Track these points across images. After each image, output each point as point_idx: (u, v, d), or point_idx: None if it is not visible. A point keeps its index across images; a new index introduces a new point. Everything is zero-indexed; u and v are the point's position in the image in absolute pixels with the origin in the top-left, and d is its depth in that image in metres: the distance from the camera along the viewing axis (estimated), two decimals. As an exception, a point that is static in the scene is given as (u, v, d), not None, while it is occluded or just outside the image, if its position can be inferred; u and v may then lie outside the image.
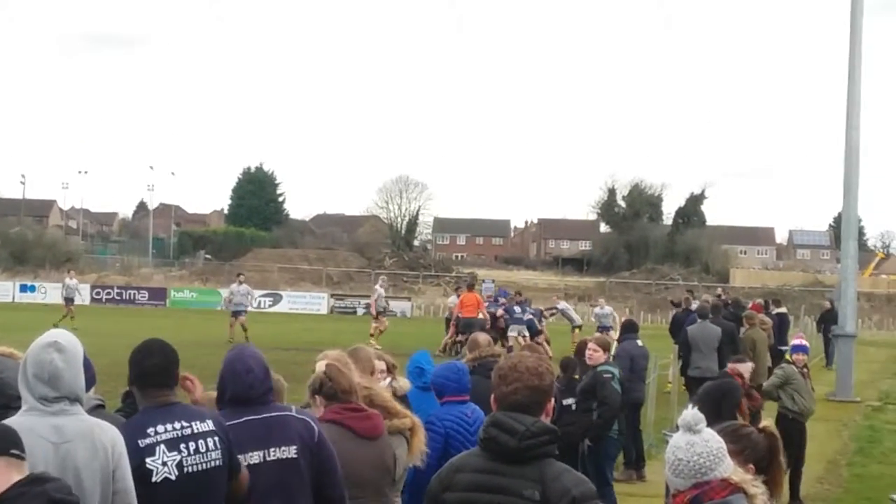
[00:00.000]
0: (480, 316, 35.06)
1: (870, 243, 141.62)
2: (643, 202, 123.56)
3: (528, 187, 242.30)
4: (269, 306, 65.02)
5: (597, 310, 39.38)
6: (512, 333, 34.69)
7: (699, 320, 22.38)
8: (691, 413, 4.78)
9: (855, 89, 29.56)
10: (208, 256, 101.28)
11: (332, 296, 69.00)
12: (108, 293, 66.46)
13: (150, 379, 5.83)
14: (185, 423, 5.72)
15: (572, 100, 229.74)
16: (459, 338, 34.20)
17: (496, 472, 4.83)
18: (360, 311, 64.89)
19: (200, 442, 5.74)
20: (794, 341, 16.99)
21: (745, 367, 14.22)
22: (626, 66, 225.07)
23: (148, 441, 5.57)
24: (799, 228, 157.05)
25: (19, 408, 5.43)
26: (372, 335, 36.40)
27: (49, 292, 62.91)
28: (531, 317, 36.00)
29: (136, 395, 5.95)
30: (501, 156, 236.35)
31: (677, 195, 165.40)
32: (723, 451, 4.72)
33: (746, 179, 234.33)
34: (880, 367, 38.66)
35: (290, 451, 6.15)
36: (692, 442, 4.68)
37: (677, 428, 4.82)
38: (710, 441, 4.70)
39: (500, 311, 36.31)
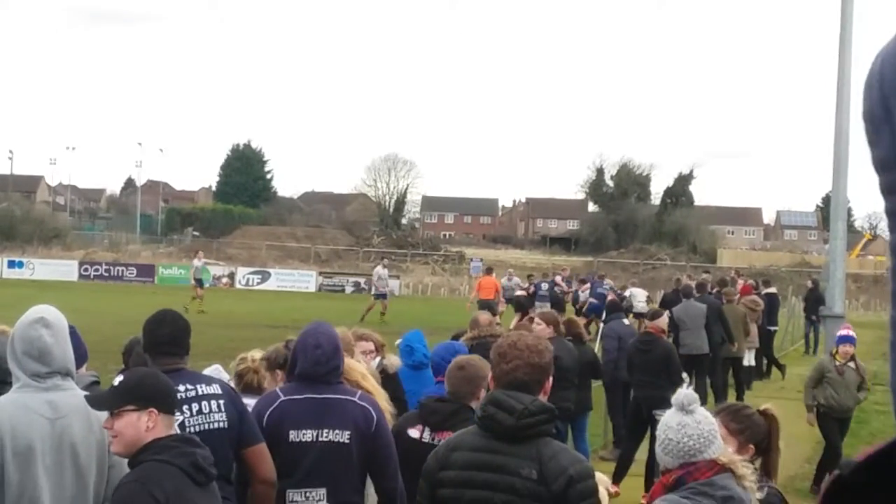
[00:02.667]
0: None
1: (857, 224, 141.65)
2: (631, 182, 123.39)
3: (517, 166, 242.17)
4: (258, 284, 64.93)
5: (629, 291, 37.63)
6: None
7: (683, 299, 22.51)
8: (685, 393, 4.78)
9: (845, 70, 29.49)
10: (196, 233, 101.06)
11: (320, 273, 68.92)
12: (97, 270, 66.22)
13: (160, 347, 5.99)
14: (189, 386, 5.87)
15: (561, 79, 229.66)
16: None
17: (494, 450, 4.83)
18: (349, 290, 64.89)
19: (204, 403, 5.88)
20: (841, 332, 16.83)
21: (664, 321, 14.43)
22: (615, 45, 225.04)
23: None
24: (786, 209, 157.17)
25: (10, 382, 5.44)
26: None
27: (37, 268, 62.78)
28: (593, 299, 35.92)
29: (147, 361, 6.04)
30: (490, 135, 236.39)
31: (666, 175, 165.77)
32: (714, 432, 4.73)
33: (734, 160, 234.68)
34: (867, 349, 38.49)
35: (343, 436, 6.15)
36: (684, 423, 4.68)
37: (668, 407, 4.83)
38: (702, 423, 4.70)
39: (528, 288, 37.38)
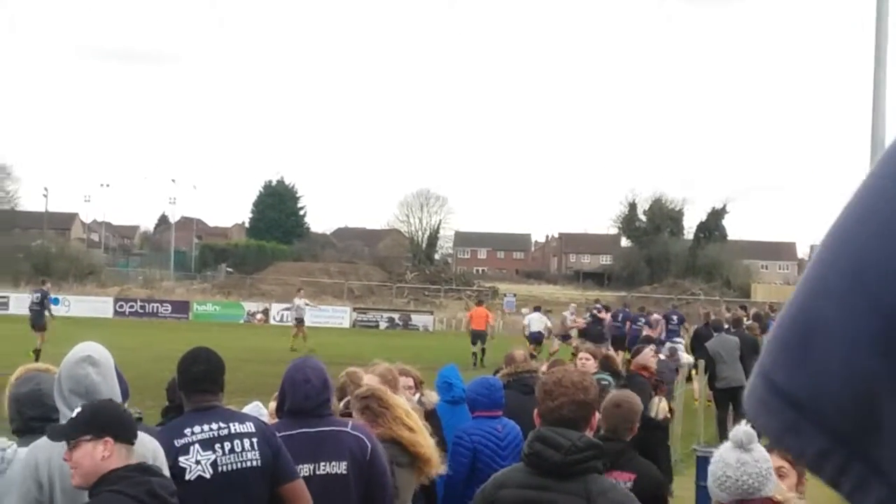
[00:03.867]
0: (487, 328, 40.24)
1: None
2: (664, 216, 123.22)
3: (549, 201, 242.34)
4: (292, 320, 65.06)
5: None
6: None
7: (715, 334, 22.59)
8: (744, 430, 4.74)
9: (880, 103, 29.38)
10: (230, 269, 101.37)
11: (354, 309, 68.99)
12: (132, 306, 66.51)
13: (195, 384, 5.98)
14: (222, 424, 5.83)
15: (593, 114, 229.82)
16: (474, 348, 38.79)
17: (542, 487, 4.81)
18: (383, 325, 64.94)
19: (237, 442, 5.83)
20: None
21: (645, 357, 14.14)
22: (646, 80, 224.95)
23: (184, 441, 5.68)
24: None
25: (58, 420, 5.46)
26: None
27: (72, 305, 62.96)
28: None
29: (182, 399, 6.08)
30: (522, 170, 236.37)
31: (698, 209, 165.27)
32: (770, 470, 4.70)
33: (768, 193, 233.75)
34: None
35: (341, 467, 6.19)
36: (743, 461, 4.65)
37: (718, 441, 4.81)
38: (760, 461, 4.67)
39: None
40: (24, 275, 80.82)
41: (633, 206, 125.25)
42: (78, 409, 4.95)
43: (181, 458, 5.62)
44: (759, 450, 4.73)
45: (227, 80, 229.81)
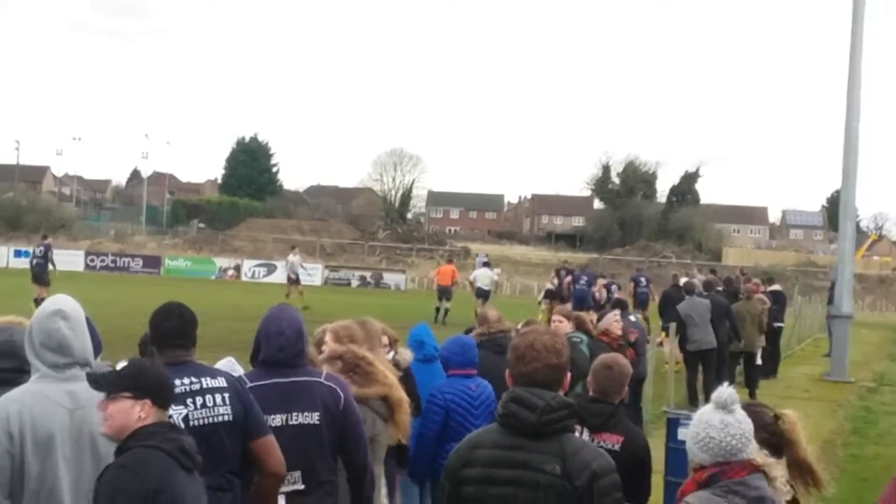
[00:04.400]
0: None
1: (862, 224, 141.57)
2: (637, 179, 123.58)
3: (523, 162, 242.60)
4: (264, 276, 64.95)
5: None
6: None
7: (687, 296, 22.60)
8: (728, 392, 4.75)
9: (855, 70, 29.51)
10: (202, 225, 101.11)
11: (326, 267, 68.92)
12: (102, 260, 66.25)
13: (167, 339, 5.97)
14: (194, 379, 5.82)
15: (568, 75, 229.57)
16: (438, 304, 39.66)
17: (517, 447, 4.82)
18: (355, 283, 64.91)
19: (208, 397, 5.83)
20: None
21: (607, 322, 14.19)
22: (622, 42, 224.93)
23: None
24: (792, 209, 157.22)
25: (29, 371, 5.43)
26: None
27: (42, 258, 62.67)
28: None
29: (154, 354, 6.03)
30: (496, 130, 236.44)
31: (671, 173, 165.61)
32: (751, 433, 4.71)
33: (741, 159, 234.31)
34: (874, 349, 38.72)
35: (313, 417, 6.22)
36: (726, 422, 4.66)
37: (697, 404, 4.81)
38: (743, 423, 4.69)
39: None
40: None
41: (606, 169, 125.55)
42: (124, 363, 4.97)
43: None
44: (741, 412, 4.74)
45: (202, 36, 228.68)
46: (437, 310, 39.24)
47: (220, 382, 5.91)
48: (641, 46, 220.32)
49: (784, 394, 22.25)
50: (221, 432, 5.80)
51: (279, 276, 64.49)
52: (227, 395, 5.88)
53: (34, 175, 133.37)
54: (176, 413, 5.60)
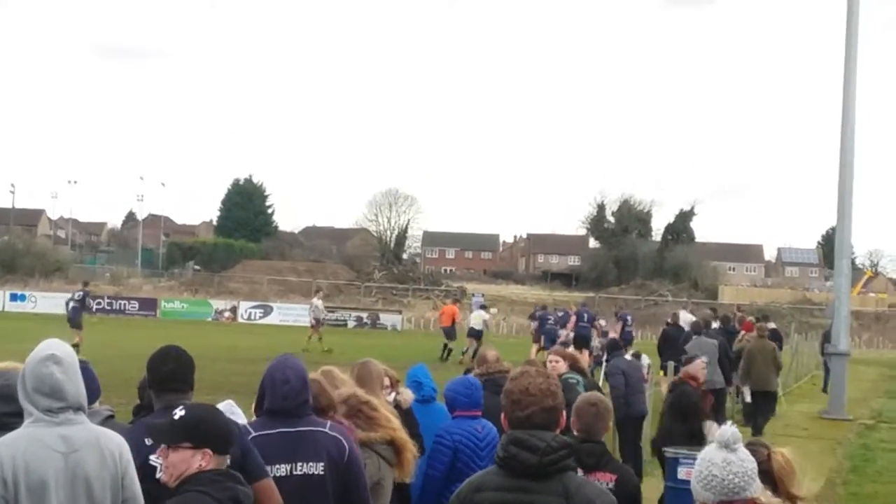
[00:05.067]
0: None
1: (858, 261, 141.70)
2: (632, 218, 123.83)
3: (518, 202, 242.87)
4: (260, 318, 65.00)
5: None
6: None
7: (694, 336, 22.63)
8: (730, 430, 4.76)
9: (849, 106, 29.62)
10: (197, 267, 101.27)
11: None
12: (99, 303, 66.17)
13: (164, 383, 5.97)
14: None
15: (561, 116, 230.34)
16: (445, 341, 40.95)
17: (520, 489, 4.81)
18: (351, 324, 64.86)
19: None
20: None
21: (696, 368, 14.26)
22: (615, 83, 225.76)
23: (152, 440, 5.61)
24: (787, 246, 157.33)
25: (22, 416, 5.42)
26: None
27: (39, 301, 62.80)
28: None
29: (152, 397, 6.05)
30: (491, 170, 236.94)
31: (667, 212, 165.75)
32: (755, 471, 4.71)
33: (735, 197, 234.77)
34: (871, 386, 38.71)
35: (318, 468, 6.17)
36: (729, 460, 4.66)
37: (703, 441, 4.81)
38: (746, 461, 4.68)
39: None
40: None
41: (601, 208, 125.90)
42: (181, 412, 4.98)
43: (151, 457, 5.57)
44: (744, 450, 4.74)
45: (197, 78, 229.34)
46: (444, 346, 40.45)
47: None
48: (634, 86, 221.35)
49: (783, 432, 22.23)
50: None
51: (275, 318, 64.58)
52: None
53: (30, 218, 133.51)
54: None
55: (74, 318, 36.57)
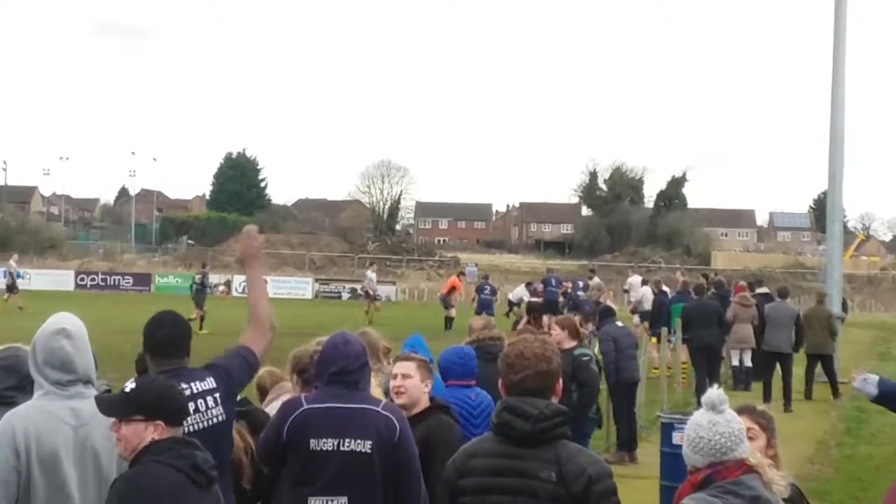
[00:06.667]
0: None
1: (850, 225, 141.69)
2: (624, 185, 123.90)
3: (510, 171, 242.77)
4: (254, 291, 64.94)
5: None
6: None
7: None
8: (716, 393, 4.80)
9: (839, 71, 29.62)
10: (191, 242, 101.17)
11: (316, 280, 68.94)
12: (93, 279, 66.28)
13: (160, 348, 6.01)
14: (184, 386, 5.77)
15: (553, 83, 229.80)
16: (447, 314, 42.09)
17: (512, 455, 4.88)
18: (345, 296, 64.92)
19: (200, 401, 5.88)
20: None
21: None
22: (606, 49, 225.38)
23: None
24: (779, 211, 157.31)
25: (29, 392, 5.47)
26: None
27: (33, 278, 62.65)
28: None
29: (148, 363, 6.10)
30: (483, 140, 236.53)
31: (658, 178, 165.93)
32: (743, 432, 4.76)
33: (727, 162, 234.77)
34: (865, 348, 38.80)
35: (365, 446, 6.11)
36: (715, 421, 4.70)
37: (697, 406, 4.86)
38: (732, 422, 4.73)
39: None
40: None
41: (593, 175, 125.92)
42: (132, 385, 4.95)
43: None
44: (731, 412, 4.78)
45: (188, 52, 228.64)
46: (445, 319, 41.56)
47: (210, 384, 5.96)
48: (626, 52, 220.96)
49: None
50: (218, 433, 5.89)
51: (270, 291, 63.71)
52: (217, 395, 5.95)
53: (22, 195, 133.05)
54: None
55: (196, 297, 40.27)
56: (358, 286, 66.81)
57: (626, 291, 38.67)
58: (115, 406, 4.88)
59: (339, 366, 6.23)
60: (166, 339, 6.01)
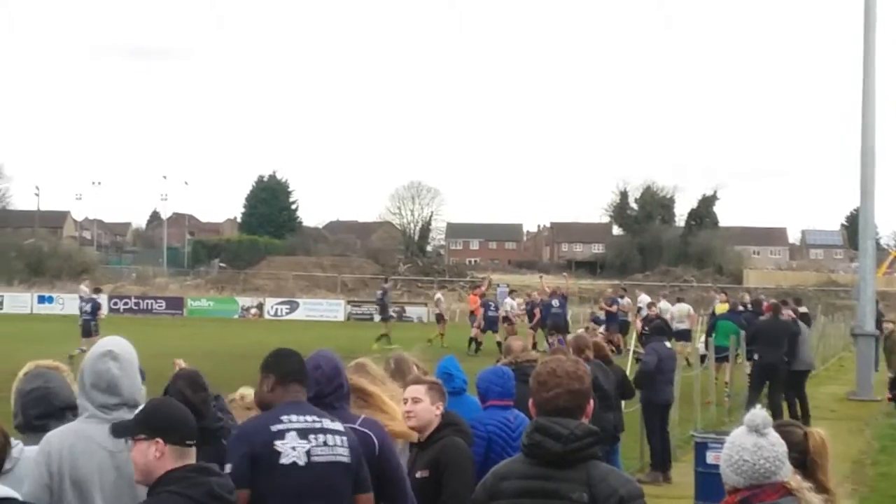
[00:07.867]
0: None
1: (882, 241, 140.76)
2: (655, 204, 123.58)
3: (540, 191, 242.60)
4: (286, 314, 65.13)
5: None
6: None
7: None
8: (761, 414, 4.76)
9: (870, 89, 29.55)
10: (223, 265, 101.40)
11: (348, 302, 69.01)
12: (126, 303, 66.54)
13: (291, 376, 6.06)
14: (316, 418, 5.87)
15: (583, 103, 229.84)
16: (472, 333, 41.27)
17: (543, 477, 4.87)
18: (377, 318, 64.89)
19: (329, 437, 5.88)
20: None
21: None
22: (636, 67, 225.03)
23: (280, 426, 5.74)
24: (811, 228, 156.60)
25: (61, 419, 5.53)
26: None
27: (66, 303, 62.90)
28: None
29: (277, 392, 6.05)
30: (513, 160, 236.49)
31: (689, 197, 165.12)
32: (785, 455, 4.71)
33: (758, 180, 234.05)
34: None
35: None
36: (759, 445, 4.67)
37: (742, 424, 4.81)
38: (776, 445, 4.69)
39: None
40: (17, 273, 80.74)
41: (624, 195, 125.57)
42: (141, 407, 5.02)
43: (277, 443, 5.67)
44: (774, 435, 4.74)
45: (218, 76, 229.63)
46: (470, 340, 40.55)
47: (339, 427, 5.98)
48: (657, 71, 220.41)
49: (811, 413, 22.19)
50: (340, 472, 5.86)
51: (301, 314, 64.67)
52: (345, 439, 5.94)
53: (55, 220, 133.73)
54: (300, 446, 5.69)
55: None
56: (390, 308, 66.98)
57: (640, 310, 38.30)
58: (124, 429, 4.95)
59: (312, 392, 6.27)
60: (295, 367, 6.10)
